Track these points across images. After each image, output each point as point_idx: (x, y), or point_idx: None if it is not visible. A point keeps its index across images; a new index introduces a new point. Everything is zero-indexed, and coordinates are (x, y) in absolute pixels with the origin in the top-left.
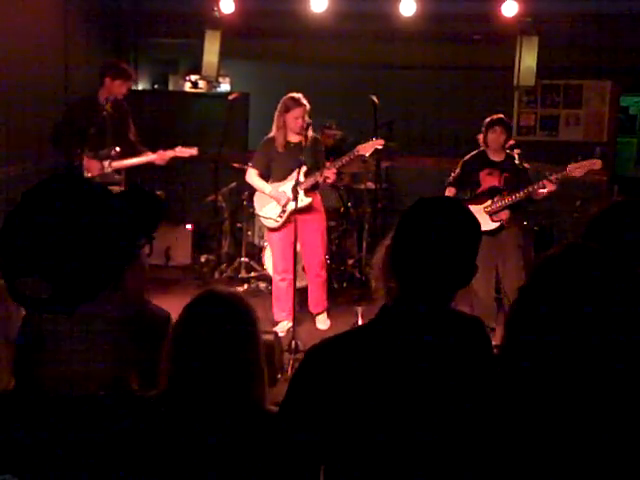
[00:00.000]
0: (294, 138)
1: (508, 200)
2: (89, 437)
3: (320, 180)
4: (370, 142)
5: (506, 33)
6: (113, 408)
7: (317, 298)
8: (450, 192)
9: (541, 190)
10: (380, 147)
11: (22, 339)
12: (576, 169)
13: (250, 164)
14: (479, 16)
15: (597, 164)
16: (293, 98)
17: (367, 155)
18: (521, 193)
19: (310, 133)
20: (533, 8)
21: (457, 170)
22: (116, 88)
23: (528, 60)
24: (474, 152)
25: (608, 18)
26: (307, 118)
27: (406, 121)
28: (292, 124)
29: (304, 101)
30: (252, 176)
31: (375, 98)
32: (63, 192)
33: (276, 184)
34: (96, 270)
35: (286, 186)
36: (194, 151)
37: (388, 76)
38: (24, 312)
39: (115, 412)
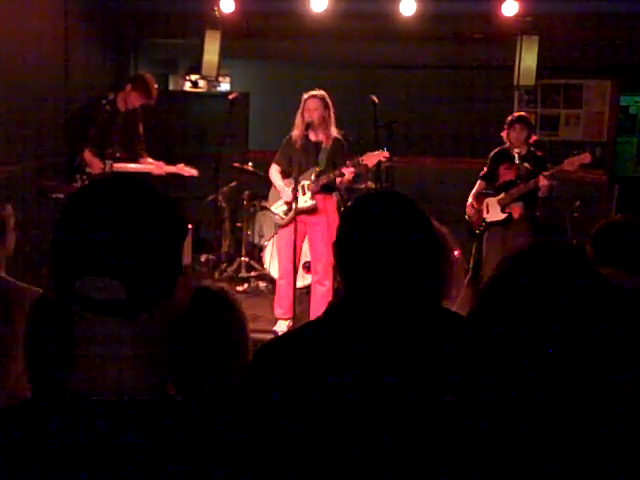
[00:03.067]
0: (313, 136)
1: (514, 193)
2: (132, 442)
3: (337, 178)
4: (376, 153)
5: (506, 33)
6: (154, 413)
7: (318, 310)
8: (480, 186)
9: (541, 184)
10: (384, 159)
11: (52, 342)
12: (569, 163)
13: (274, 160)
14: (479, 16)
15: (586, 158)
16: (310, 93)
17: (370, 166)
18: (523, 186)
19: (333, 133)
20: (533, 8)
21: (486, 165)
22: (132, 98)
23: (528, 60)
24: (498, 148)
25: (608, 18)
26: (332, 116)
27: (406, 121)
28: (309, 117)
29: (323, 95)
30: (272, 171)
31: (375, 98)
32: (125, 190)
33: (289, 180)
34: (163, 272)
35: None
36: (195, 172)
37: (388, 76)
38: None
39: (156, 417)
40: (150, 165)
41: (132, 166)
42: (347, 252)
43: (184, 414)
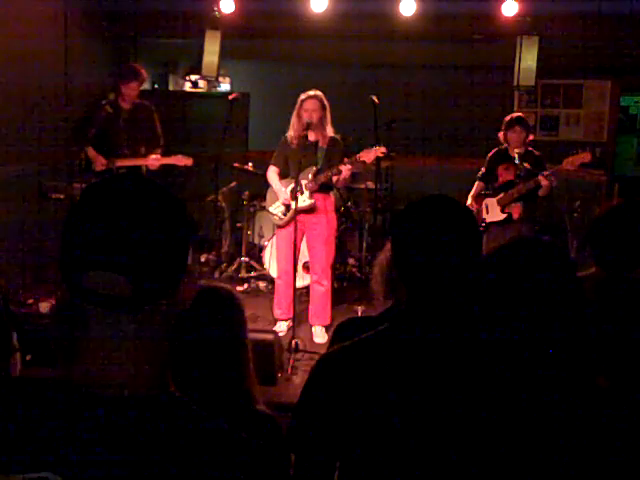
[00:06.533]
0: (311, 136)
1: (514, 193)
2: (135, 437)
3: (332, 177)
4: (373, 149)
5: (506, 33)
6: (155, 409)
7: (317, 309)
8: (478, 187)
9: (543, 183)
10: (382, 155)
11: (64, 334)
12: (569, 163)
13: (271, 162)
14: (479, 16)
15: (586, 157)
16: (308, 93)
17: (368, 162)
18: (522, 186)
19: (330, 133)
20: (533, 8)
21: (484, 166)
22: (128, 90)
23: (528, 60)
24: (496, 149)
25: (608, 18)
26: (327, 116)
27: (406, 121)
28: (308, 117)
29: (320, 96)
30: (269, 173)
31: (375, 98)
32: (135, 188)
33: (286, 181)
34: (169, 270)
35: (292, 185)
36: (190, 161)
37: (388, 76)
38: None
39: (157, 413)
40: (143, 160)
41: (127, 162)
42: (407, 260)
43: (184, 411)
